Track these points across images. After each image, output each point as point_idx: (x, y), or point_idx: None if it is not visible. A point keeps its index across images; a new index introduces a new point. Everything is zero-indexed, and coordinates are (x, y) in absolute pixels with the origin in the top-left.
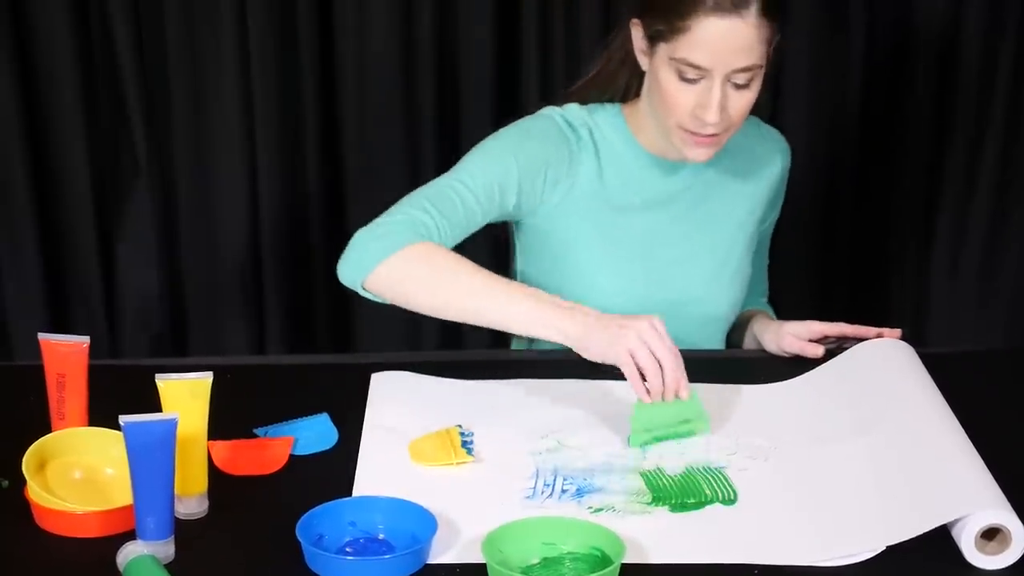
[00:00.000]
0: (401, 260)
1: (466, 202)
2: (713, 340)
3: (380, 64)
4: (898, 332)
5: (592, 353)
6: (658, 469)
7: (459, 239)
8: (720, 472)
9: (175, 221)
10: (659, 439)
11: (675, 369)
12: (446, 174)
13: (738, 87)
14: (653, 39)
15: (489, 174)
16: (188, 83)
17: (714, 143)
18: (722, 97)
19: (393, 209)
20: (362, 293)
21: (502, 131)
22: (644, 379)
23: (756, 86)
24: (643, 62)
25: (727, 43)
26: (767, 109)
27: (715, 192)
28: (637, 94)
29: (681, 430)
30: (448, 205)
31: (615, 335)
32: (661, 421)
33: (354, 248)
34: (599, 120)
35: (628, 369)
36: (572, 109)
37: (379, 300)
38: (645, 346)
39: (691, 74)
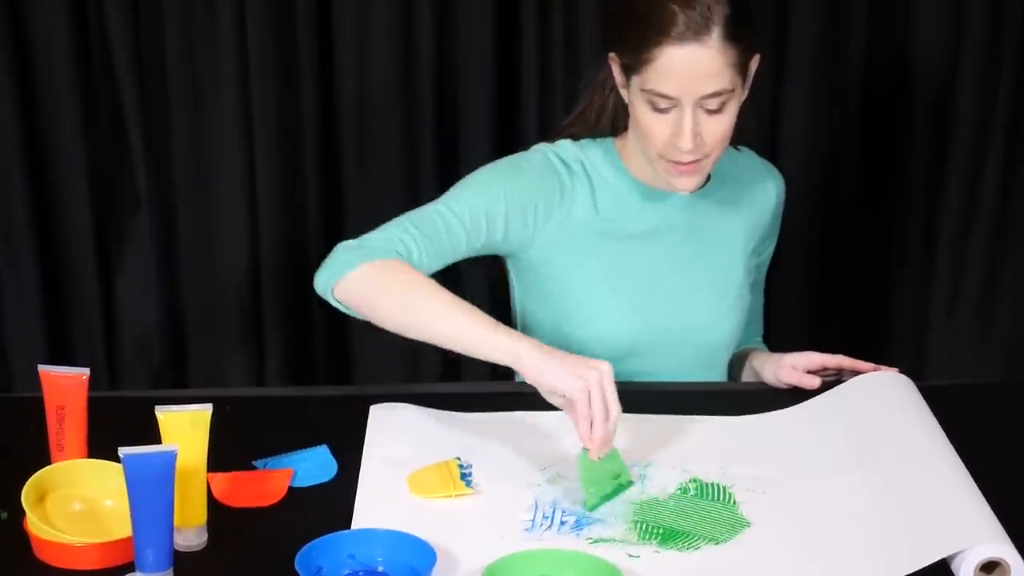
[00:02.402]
0: (370, 270)
1: (451, 228)
2: (714, 370)
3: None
4: (895, 370)
5: (544, 380)
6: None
7: (441, 264)
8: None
9: (175, 252)
10: (606, 497)
11: (615, 421)
12: (435, 200)
13: (711, 112)
14: (626, 72)
15: (477, 203)
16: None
17: (696, 170)
18: (694, 124)
19: (378, 229)
20: (332, 302)
21: (493, 163)
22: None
23: (731, 110)
24: (624, 95)
25: (691, 70)
26: (755, 133)
27: (712, 221)
28: (627, 127)
29: (619, 483)
30: (432, 229)
31: (576, 369)
32: (601, 475)
33: (331, 257)
34: (591, 154)
35: (582, 406)
36: (564, 145)
37: (349, 312)
38: (601, 392)
39: (662, 104)
